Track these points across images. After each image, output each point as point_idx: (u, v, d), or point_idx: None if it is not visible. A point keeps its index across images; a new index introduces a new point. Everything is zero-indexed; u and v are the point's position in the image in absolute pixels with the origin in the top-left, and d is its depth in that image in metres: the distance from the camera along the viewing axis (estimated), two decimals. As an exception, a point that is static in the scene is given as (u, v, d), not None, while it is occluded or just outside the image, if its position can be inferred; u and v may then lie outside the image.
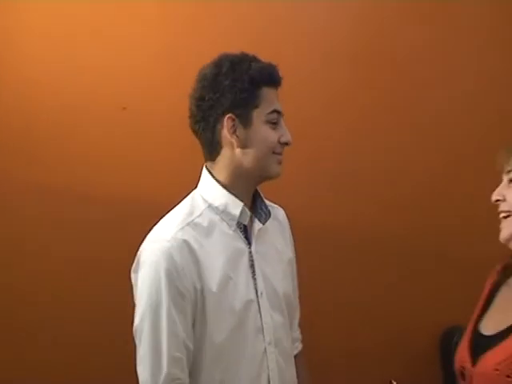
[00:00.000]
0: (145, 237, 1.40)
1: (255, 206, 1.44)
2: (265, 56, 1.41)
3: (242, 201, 1.38)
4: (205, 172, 1.43)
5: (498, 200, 1.41)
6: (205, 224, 1.36)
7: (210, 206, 1.38)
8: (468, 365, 1.36)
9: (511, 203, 1.38)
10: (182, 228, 1.33)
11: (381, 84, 2.34)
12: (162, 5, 2.26)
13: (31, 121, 2.24)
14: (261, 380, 1.37)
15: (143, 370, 1.29)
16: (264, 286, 1.40)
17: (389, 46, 2.33)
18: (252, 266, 1.40)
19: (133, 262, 1.38)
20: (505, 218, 1.39)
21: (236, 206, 1.37)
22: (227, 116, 1.33)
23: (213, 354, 1.32)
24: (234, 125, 1.34)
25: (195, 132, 1.41)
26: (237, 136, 1.34)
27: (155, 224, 1.42)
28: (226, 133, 1.34)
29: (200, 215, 1.37)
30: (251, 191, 1.44)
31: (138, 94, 2.25)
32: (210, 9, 2.26)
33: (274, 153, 1.38)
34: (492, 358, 1.30)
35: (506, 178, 1.41)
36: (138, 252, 1.36)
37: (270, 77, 1.37)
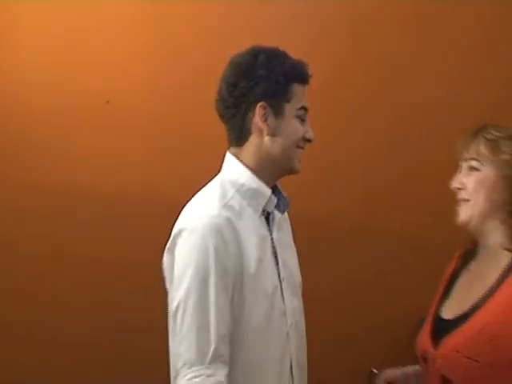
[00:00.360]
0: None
1: (274, 195, 1.46)
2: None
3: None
4: (230, 157, 1.44)
5: (458, 188, 1.43)
6: (237, 207, 1.37)
7: (238, 190, 1.39)
8: (430, 349, 1.38)
9: (470, 191, 1.40)
10: (222, 207, 1.35)
11: (374, 83, 2.33)
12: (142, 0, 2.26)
13: (18, 120, 2.24)
14: (284, 362, 1.39)
15: (188, 348, 1.25)
16: (284, 272, 1.43)
17: (379, 47, 2.32)
18: (274, 252, 1.43)
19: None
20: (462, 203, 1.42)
21: (264, 192, 1.41)
22: (260, 104, 1.37)
23: (250, 336, 1.33)
24: (265, 113, 1.37)
25: (223, 117, 1.43)
26: (267, 124, 1.38)
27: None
28: (257, 120, 1.38)
29: (231, 198, 1.38)
30: (274, 182, 1.46)
31: (121, 88, 2.25)
32: (191, 5, 2.25)
33: (297, 147, 1.42)
34: (452, 341, 1.33)
35: (465, 166, 1.42)
36: (176, 230, 1.35)
37: (301, 74, 1.41)
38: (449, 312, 1.42)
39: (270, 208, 1.43)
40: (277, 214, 1.46)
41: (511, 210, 1.37)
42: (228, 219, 1.32)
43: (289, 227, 1.58)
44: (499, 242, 1.38)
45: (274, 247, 1.43)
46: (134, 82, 2.26)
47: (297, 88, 1.40)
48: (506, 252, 1.36)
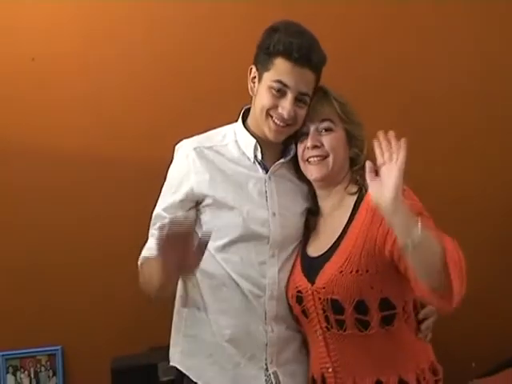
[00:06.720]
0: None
1: (284, 150, 1.64)
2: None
3: (256, 139, 1.60)
4: (241, 113, 1.66)
5: (315, 146, 1.57)
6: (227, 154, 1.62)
7: (236, 141, 1.63)
8: (306, 285, 1.53)
9: (327, 149, 1.56)
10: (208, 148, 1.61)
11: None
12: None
13: None
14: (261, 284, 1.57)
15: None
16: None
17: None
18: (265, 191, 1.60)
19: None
20: (319, 161, 1.57)
21: (250, 142, 1.61)
22: (250, 67, 1.59)
23: None
24: (254, 76, 1.58)
25: None
26: (254, 86, 1.59)
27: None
28: (250, 80, 1.60)
29: (226, 145, 1.63)
30: (267, 137, 1.59)
31: (46, 45, 2.19)
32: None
33: (267, 115, 1.55)
34: (333, 267, 1.48)
35: (318, 127, 1.56)
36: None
37: (286, 50, 1.48)
38: (315, 250, 1.58)
39: (258, 155, 1.60)
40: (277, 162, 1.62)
41: (354, 162, 1.58)
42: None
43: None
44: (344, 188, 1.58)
45: (265, 186, 1.61)
46: (62, 39, 2.20)
47: (281, 62, 1.49)
48: (350, 195, 1.56)
